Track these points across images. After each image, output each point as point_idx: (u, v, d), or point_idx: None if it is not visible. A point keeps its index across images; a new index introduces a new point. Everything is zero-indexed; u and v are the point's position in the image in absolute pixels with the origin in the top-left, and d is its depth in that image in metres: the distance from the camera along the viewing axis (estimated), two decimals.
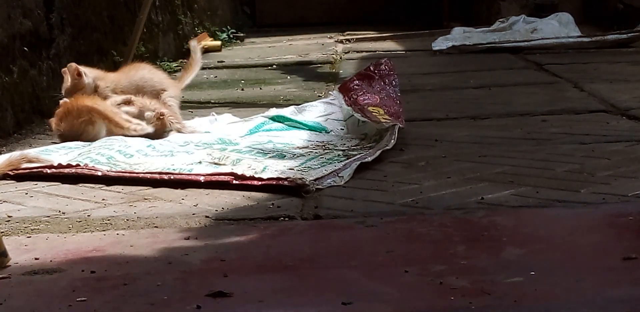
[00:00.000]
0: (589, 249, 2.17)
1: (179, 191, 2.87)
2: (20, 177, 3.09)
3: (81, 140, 3.55)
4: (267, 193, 2.79)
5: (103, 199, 2.81)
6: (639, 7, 7.16)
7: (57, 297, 1.94)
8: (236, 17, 9.86)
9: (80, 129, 3.61)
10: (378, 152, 3.13)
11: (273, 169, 3.04)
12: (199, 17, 7.96)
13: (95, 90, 3.87)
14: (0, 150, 3.59)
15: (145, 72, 4.03)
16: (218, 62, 6.79)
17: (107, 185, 2.98)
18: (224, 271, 2.07)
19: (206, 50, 7.52)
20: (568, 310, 1.79)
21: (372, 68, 4.09)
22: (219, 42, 7.84)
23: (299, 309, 1.86)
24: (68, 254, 2.25)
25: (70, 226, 2.53)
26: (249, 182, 2.87)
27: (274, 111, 3.98)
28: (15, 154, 3.26)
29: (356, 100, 3.80)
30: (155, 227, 2.49)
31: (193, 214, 2.60)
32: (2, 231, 2.44)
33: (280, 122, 3.83)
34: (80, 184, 2.99)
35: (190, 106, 4.58)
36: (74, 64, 3.87)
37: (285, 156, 3.27)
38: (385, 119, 3.56)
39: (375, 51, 7.12)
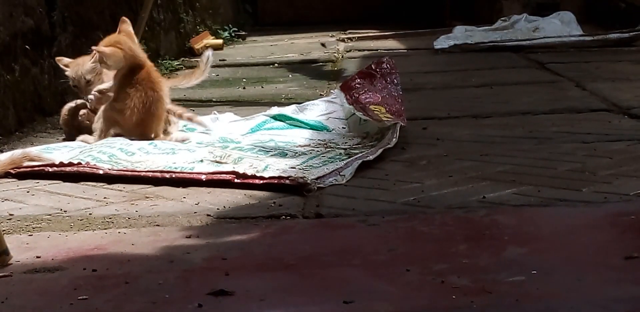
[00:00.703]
0: (591, 248, 2.17)
1: (180, 190, 2.87)
2: (22, 175, 3.10)
3: None
4: (269, 192, 2.79)
5: (104, 198, 2.81)
6: None
7: (59, 296, 1.95)
8: (238, 15, 9.86)
9: None
10: (380, 151, 3.13)
11: (275, 167, 3.04)
12: (201, 16, 7.96)
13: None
14: (2, 149, 3.59)
15: None
16: (220, 60, 6.78)
17: (109, 183, 2.98)
18: (225, 270, 2.07)
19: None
20: (569, 309, 1.79)
21: (373, 66, 4.09)
22: (220, 41, 7.84)
23: (301, 307, 1.86)
24: (69, 253, 2.25)
25: (72, 224, 2.53)
26: (250, 180, 2.86)
27: (275, 110, 3.98)
28: (17, 152, 3.26)
29: (358, 99, 3.80)
30: (157, 225, 2.49)
31: (194, 212, 2.60)
32: (3, 229, 2.44)
33: (281, 120, 3.83)
34: (82, 183, 2.99)
35: (192, 105, 4.57)
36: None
37: (287, 155, 3.26)
38: (387, 117, 3.56)
39: (377, 50, 7.11)
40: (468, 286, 1.91)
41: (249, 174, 2.91)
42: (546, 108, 4.08)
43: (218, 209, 2.63)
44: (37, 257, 2.22)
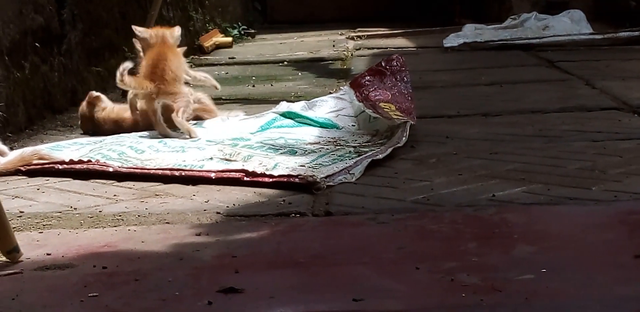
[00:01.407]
0: (600, 247, 2.17)
1: (190, 187, 2.87)
2: (32, 172, 3.10)
3: None
4: (278, 189, 2.79)
5: (114, 195, 2.81)
6: None
7: (69, 293, 1.95)
8: (247, 13, 9.86)
9: None
10: (389, 150, 3.13)
11: (284, 165, 3.04)
12: (210, 14, 7.96)
13: None
14: (12, 146, 3.59)
15: None
16: (229, 58, 6.80)
17: (119, 181, 2.98)
18: (235, 267, 2.07)
19: (217, 47, 7.54)
20: (579, 307, 1.78)
21: (383, 64, 4.08)
22: (230, 39, 7.85)
23: (310, 305, 1.86)
24: (80, 250, 2.26)
25: (82, 221, 2.54)
26: (259, 179, 2.87)
27: (284, 105, 3.98)
28: (27, 150, 3.27)
29: (367, 96, 3.80)
30: (167, 223, 2.50)
31: (204, 210, 2.60)
32: (14, 226, 2.44)
33: (291, 118, 3.83)
34: (92, 180, 3.00)
35: None
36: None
37: (296, 152, 3.27)
38: (396, 115, 3.56)
39: (387, 48, 7.11)
40: (477, 284, 1.91)
41: (259, 172, 2.91)
42: (556, 106, 4.07)
43: (228, 206, 2.63)
44: (48, 254, 2.23)
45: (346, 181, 2.85)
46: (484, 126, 3.70)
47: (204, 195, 2.77)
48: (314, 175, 2.84)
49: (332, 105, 3.94)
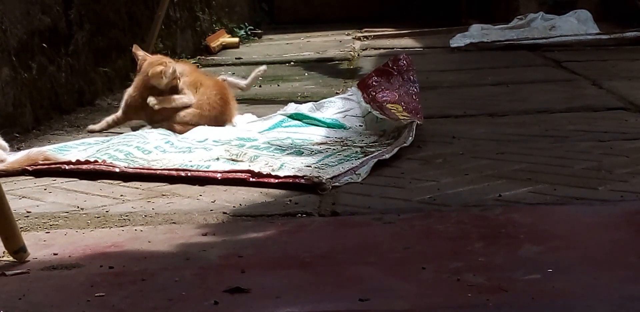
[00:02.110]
0: (607, 247, 2.17)
1: (196, 187, 2.87)
2: (39, 173, 3.11)
3: None
4: (285, 190, 2.79)
5: (121, 195, 2.82)
6: None
7: (76, 293, 1.95)
8: (254, 13, 9.87)
9: None
10: (396, 150, 3.13)
11: (290, 166, 3.05)
12: (217, 14, 7.97)
13: None
14: (20, 146, 3.60)
15: None
16: (236, 58, 6.80)
17: (125, 181, 2.99)
18: (241, 267, 2.07)
19: (224, 47, 7.55)
20: (585, 307, 1.78)
21: (390, 64, 4.08)
22: (236, 39, 7.85)
23: (317, 305, 1.86)
24: (86, 250, 2.26)
25: (89, 221, 2.54)
26: (265, 179, 2.87)
27: (292, 107, 3.98)
28: (34, 150, 3.27)
29: (375, 97, 3.80)
30: (173, 223, 2.50)
31: (211, 210, 2.61)
32: (21, 226, 2.45)
33: (299, 119, 3.84)
34: (99, 180, 3.01)
35: None
36: None
37: (303, 153, 3.27)
38: (403, 116, 3.56)
39: (393, 48, 7.11)
40: (483, 284, 1.91)
41: (264, 173, 2.91)
42: (562, 106, 4.07)
43: (234, 206, 2.63)
44: (55, 254, 2.23)
45: (352, 181, 2.85)
46: (490, 126, 3.70)
47: (211, 195, 2.77)
48: (319, 176, 2.85)
49: (339, 106, 3.95)
